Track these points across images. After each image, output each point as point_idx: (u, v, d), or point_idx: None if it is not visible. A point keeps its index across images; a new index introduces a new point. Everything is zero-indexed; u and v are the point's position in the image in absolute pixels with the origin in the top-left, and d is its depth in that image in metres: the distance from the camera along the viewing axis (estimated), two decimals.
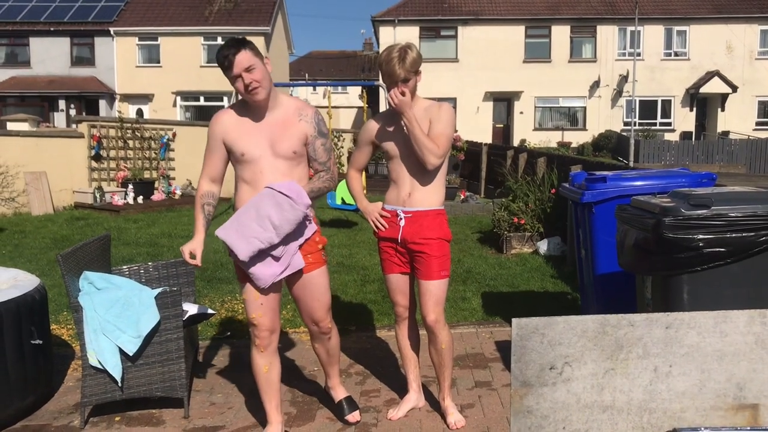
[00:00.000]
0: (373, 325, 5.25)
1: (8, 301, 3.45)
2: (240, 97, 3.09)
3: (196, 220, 3.19)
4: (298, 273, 3.17)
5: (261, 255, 3.02)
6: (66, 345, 4.78)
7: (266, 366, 3.21)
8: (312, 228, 3.17)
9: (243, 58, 2.94)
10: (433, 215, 3.40)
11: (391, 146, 3.42)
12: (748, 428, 1.82)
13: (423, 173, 3.35)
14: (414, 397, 3.68)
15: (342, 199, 9.99)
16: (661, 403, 1.88)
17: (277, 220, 2.96)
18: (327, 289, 3.30)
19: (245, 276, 3.12)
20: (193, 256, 3.12)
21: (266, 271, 3.05)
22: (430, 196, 3.38)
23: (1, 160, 11.07)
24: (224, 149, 3.12)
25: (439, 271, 3.39)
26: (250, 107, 3.08)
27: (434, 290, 3.39)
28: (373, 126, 3.50)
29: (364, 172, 10.41)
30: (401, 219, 3.39)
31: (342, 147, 19.43)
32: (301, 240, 3.13)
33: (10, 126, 17.29)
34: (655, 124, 30.23)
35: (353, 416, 3.49)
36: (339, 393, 3.57)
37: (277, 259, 3.06)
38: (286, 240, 3.05)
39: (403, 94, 3.23)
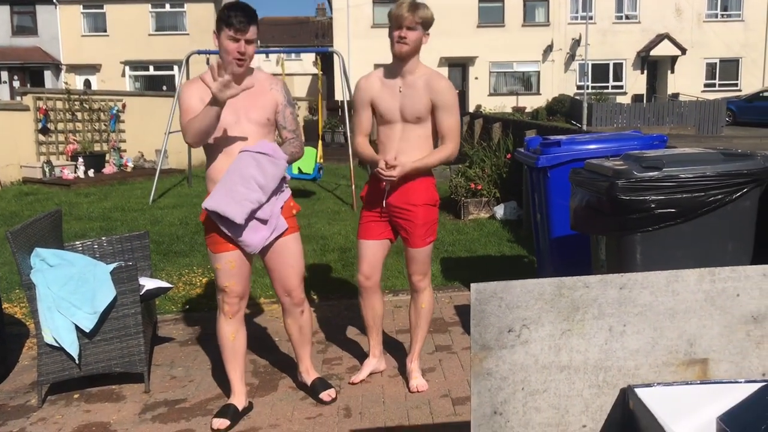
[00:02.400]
0: (333, 294, 5.26)
1: None
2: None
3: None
4: (272, 240, 3.17)
5: (248, 220, 3.04)
6: (20, 324, 4.68)
7: (233, 334, 3.22)
8: (288, 192, 3.23)
9: (253, 31, 3.05)
10: (420, 180, 3.40)
11: (385, 109, 3.38)
12: (698, 382, 1.88)
13: (410, 139, 3.34)
14: (374, 362, 3.73)
15: (299, 168, 9.91)
16: (616, 362, 1.93)
17: (261, 178, 3.01)
18: (301, 256, 3.30)
19: (221, 244, 3.10)
20: None
21: (255, 236, 3.09)
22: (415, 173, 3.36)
23: None
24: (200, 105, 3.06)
25: (424, 238, 3.44)
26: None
27: (419, 256, 3.46)
28: (367, 86, 3.44)
29: (320, 141, 10.30)
30: (387, 183, 3.38)
31: (298, 115, 19.24)
32: (281, 202, 3.16)
33: None
34: (607, 87, 30.60)
35: (327, 394, 3.42)
36: (311, 375, 3.51)
37: (264, 222, 3.09)
38: (270, 201, 3.09)
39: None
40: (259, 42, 3.15)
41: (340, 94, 25.55)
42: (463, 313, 4.70)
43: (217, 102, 2.87)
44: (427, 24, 3.30)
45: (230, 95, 2.87)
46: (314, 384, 3.45)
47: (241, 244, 3.09)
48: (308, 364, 3.52)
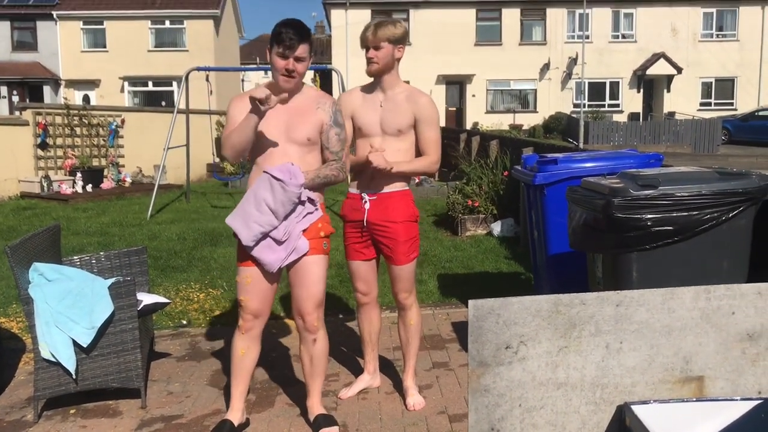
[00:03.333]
0: (330, 310, 5.26)
1: None
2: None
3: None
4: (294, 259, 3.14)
5: (264, 239, 3.05)
6: (16, 338, 4.67)
7: (243, 349, 3.21)
8: (317, 214, 3.15)
9: (304, 49, 3.04)
10: (398, 197, 3.42)
11: (364, 123, 3.43)
12: (694, 399, 1.90)
13: (390, 152, 3.35)
14: (367, 378, 3.73)
15: None
16: (613, 379, 1.94)
17: (272, 203, 3.00)
18: (320, 281, 3.17)
19: (245, 259, 3.13)
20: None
21: (271, 256, 3.06)
22: (393, 178, 3.38)
23: None
24: None
25: (407, 254, 3.43)
26: (275, 90, 3.06)
27: (404, 274, 3.46)
28: (348, 100, 3.50)
29: None
30: (366, 202, 3.41)
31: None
32: (305, 224, 3.11)
33: None
34: (603, 106, 30.75)
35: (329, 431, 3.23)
36: (315, 411, 3.31)
37: (279, 243, 3.06)
38: (290, 224, 3.06)
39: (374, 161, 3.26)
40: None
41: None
42: (460, 329, 4.70)
43: (257, 112, 2.92)
44: (395, 39, 3.33)
45: (268, 104, 2.91)
46: (317, 419, 3.27)
47: (259, 260, 3.09)
48: (315, 400, 3.33)
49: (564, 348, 1.91)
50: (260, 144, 3.10)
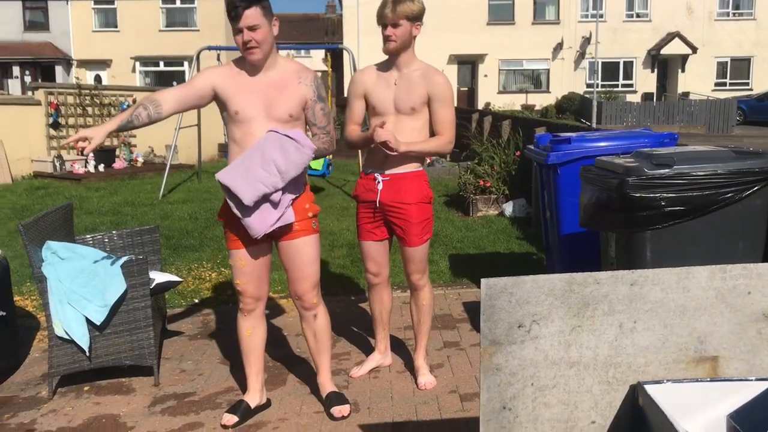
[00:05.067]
0: (342, 290, 5.27)
1: None
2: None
3: (118, 116, 2.94)
4: (287, 238, 3.07)
5: (258, 204, 2.92)
6: (30, 316, 4.71)
7: (249, 329, 3.20)
8: (304, 190, 3.10)
9: (251, 14, 2.86)
10: (411, 177, 3.37)
11: (378, 102, 3.37)
12: (708, 379, 1.88)
13: (403, 131, 3.31)
14: (378, 357, 3.74)
15: (308, 165, 9.90)
16: (626, 358, 1.93)
17: (282, 164, 2.88)
18: (313, 262, 3.13)
19: (234, 241, 3.08)
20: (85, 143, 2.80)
21: (260, 222, 2.95)
22: (407, 158, 3.34)
23: None
24: (208, 90, 2.99)
25: (421, 236, 3.40)
26: (248, 64, 3.00)
27: (417, 255, 3.43)
28: (362, 78, 3.44)
29: None
30: (379, 182, 3.38)
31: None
32: (296, 194, 3.04)
33: None
34: (617, 86, 30.46)
35: (339, 410, 3.19)
36: (326, 388, 3.31)
37: (275, 205, 2.95)
38: (285, 189, 2.96)
39: (384, 134, 3.18)
40: (276, 26, 2.99)
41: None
42: (472, 309, 4.70)
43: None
44: (413, 16, 3.27)
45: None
46: (329, 397, 3.27)
47: (244, 224, 2.97)
48: (325, 376, 3.32)
49: (577, 327, 1.90)
50: (238, 122, 2.99)
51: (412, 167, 3.38)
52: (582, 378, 1.94)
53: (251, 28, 2.88)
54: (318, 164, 9.80)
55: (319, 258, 3.18)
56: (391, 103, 3.33)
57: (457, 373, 3.69)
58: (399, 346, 4.04)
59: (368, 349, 3.96)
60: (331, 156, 9.91)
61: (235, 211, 2.94)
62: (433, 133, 3.38)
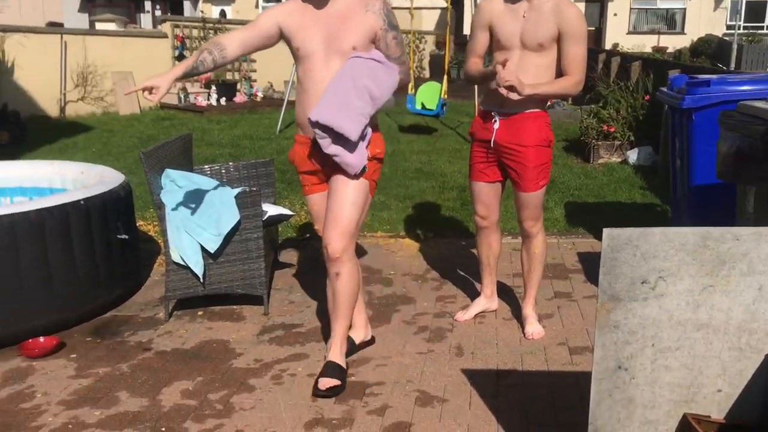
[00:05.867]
0: (451, 233, 5.18)
1: (94, 197, 3.54)
2: None
3: (184, 62, 2.87)
4: (338, 174, 2.85)
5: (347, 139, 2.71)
6: (152, 241, 4.93)
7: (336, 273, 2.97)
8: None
9: None
10: (532, 118, 3.16)
11: (503, 35, 3.14)
12: None
13: (528, 68, 3.08)
14: (483, 301, 3.64)
15: (422, 104, 9.75)
16: (764, 324, 1.74)
17: (375, 90, 2.71)
18: (349, 205, 2.82)
19: (311, 186, 2.99)
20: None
21: (358, 157, 2.77)
22: (529, 99, 3.08)
23: (89, 59, 11.32)
24: (274, 30, 2.83)
25: (536, 181, 3.21)
26: (316, 3, 2.81)
27: (531, 201, 3.25)
28: (488, 7, 3.20)
29: (445, 76, 10.05)
30: (496, 122, 3.20)
31: (424, 50, 18.87)
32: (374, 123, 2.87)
33: (99, 26, 17.57)
34: (762, 28, 27.96)
35: (324, 383, 2.84)
36: (330, 355, 2.97)
37: (363, 137, 2.76)
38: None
39: (509, 87, 2.95)
40: None
41: (468, 29, 24.90)
42: (586, 260, 4.49)
43: None
44: None
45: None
46: (326, 365, 2.93)
47: (341, 163, 2.76)
48: (336, 342, 2.97)
49: (709, 287, 1.72)
50: (300, 59, 2.81)
51: (534, 108, 3.16)
52: (710, 342, 1.77)
53: None
54: (432, 104, 9.62)
55: (360, 207, 2.87)
56: (518, 37, 3.11)
57: (568, 325, 3.54)
58: (507, 293, 3.93)
59: (474, 294, 3.88)
60: (446, 95, 9.69)
61: (331, 149, 2.73)
62: (559, 73, 3.14)
